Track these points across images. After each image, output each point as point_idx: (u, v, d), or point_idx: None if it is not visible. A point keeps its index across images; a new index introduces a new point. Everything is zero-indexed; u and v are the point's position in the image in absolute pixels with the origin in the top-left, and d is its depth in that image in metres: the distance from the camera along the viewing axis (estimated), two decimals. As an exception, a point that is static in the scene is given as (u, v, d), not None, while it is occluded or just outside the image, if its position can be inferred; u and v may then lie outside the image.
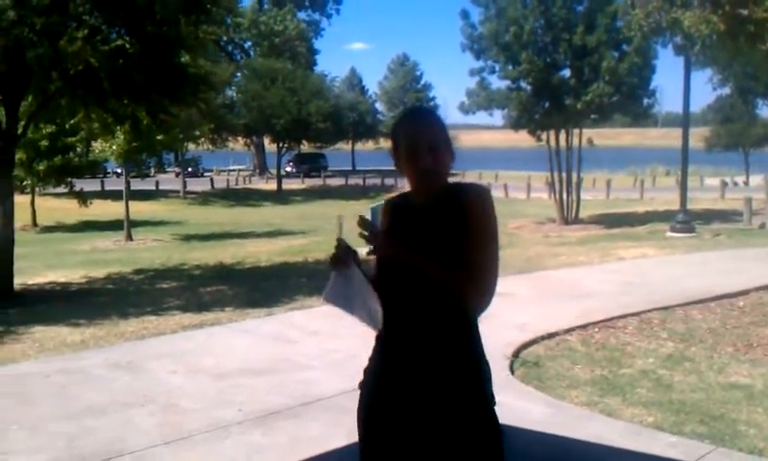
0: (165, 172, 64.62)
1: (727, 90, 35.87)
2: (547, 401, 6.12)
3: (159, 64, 12.29)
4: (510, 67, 23.47)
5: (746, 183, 45.55)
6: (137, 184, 45.29)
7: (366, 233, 2.44)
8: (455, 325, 2.48)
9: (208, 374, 6.96)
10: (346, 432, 5.33)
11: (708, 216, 24.92)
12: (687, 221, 19.49)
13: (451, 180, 2.61)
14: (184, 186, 50.91)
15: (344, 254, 2.50)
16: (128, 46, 12.22)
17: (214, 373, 6.98)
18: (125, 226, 24.52)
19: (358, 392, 6.04)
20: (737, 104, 39.83)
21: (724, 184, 37.79)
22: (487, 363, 2.56)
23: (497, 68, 24.17)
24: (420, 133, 2.52)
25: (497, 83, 25.14)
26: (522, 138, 27.02)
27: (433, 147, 2.50)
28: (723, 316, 9.21)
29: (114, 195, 39.43)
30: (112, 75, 11.35)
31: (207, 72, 15.37)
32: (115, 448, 5.10)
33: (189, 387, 6.56)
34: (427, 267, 2.43)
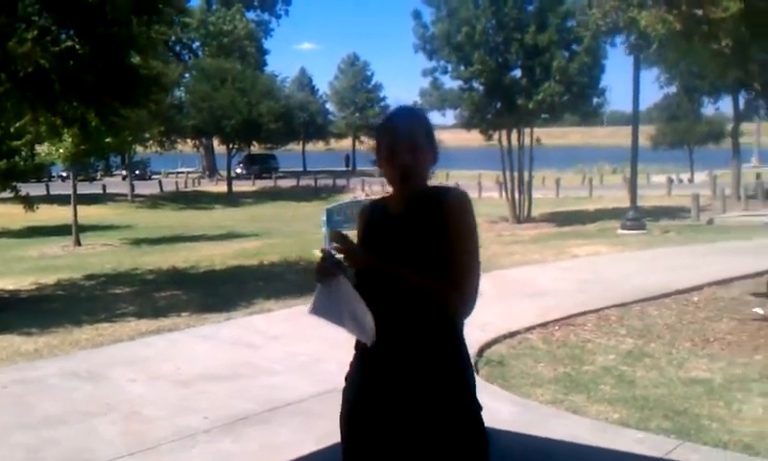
0: (112, 175, 63.57)
1: (673, 89, 36.59)
2: (513, 400, 6.15)
3: (111, 65, 12.03)
4: (462, 67, 23.63)
5: (690, 180, 46.56)
6: (84, 188, 44.28)
7: (341, 247, 2.42)
8: (438, 331, 2.46)
9: (170, 381, 6.84)
10: (316, 437, 5.28)
11: (657, 213, 25.39)
12: (637, 218, 19.83)
13: (430, 183, 2.59)
14: (132, 190, 50.09)
15: (330, 265, 2.45)
16: (78, 47, 11.95)
17: (176, 380, 6.86)
18: (73, 230, 24.00)
19: (325, 396, 6.01)
20: (684, 102, 40.66)
21: (670, 182, 38.54)
22: (472, 368, 2.55)
23: (450, 68, 24.34)
24: (400, 133, 2.49)
25: (450, 83, 25.32)
26: (472, 138, 27.19)
27: (413, 147, 2.47)
28: (679, 312, 9.36)
29: (60, 199, 38.63)
30: (63, 76, 11.07)
31: (159, 73, 15.12)
32: (80, 459, 4.97)
33: (151, 395, 6.43)
34: (406, 275, 2.40)
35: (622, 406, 5.97)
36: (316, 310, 2.51)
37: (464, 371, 2.50)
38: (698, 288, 10.58)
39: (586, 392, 6.38)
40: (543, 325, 8.68)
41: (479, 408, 2.50)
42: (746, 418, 5.67)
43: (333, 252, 2.46)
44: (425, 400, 2.42)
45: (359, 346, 2.56)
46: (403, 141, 2.47)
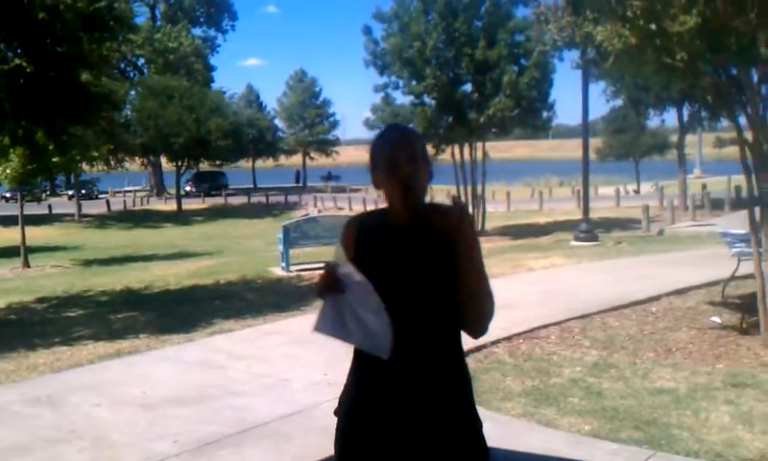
0: (58, 195, 62.41)
1: (619, 102, 37.32)
2: (484, 415, 6.08)
3: (61, 84, 11.84)
4: (414, 83, 23.74)
5: (637, 192, 47.44)
6: (30, 209, 43.42)
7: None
8: (451, 345, 2.46)
9: (135, 404, 6.68)
10: (289, 459, 5.23)
11: (608, 224, 25.78)
12: (590, 230, 20.07)
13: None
14: (79, 209, 49.22)
15: (333, 279, 2.39)
16: (24, 65, 11.71)
17: (141, 403, 6.71)
18: (21, 252, 23.45)
19: (294, 417, 5.91)
20: (630, 115, 41.49)
21: (618, 193, 39.23)
22: (471, 383, 2.55)
23: (401, 84, 24.43)
24: (400, 146, 2.47)
25: (402, 98, 25.44)
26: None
27: (413, 157, 2.45)
28: (639, 322, 9.48)
29: (5, 221, 37.79)
30: (12, 95, 10.85)
31: (110, 91, 14.89)
32: (48, 490, 4.83)
33: (117, 420, 6.28)
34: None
35: (592, 418, 6.01)
36: (321, 328, 2.42)
37: (466, 388, 2.51)
38: (656, 298, 10.73)
39: (555, 404, 6.41)
40: (508, 338, 8.70)
41: (481, 425, 2.50)
42: (714, 426, 5.76)
43: (339, 265, 2.40)
44: (436, 415, 2.41)
45: (362, 361, 2.50)
46: (403, 152, 2.45)
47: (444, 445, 2.40)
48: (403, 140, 2.50)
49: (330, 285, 2.39)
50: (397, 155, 2.44)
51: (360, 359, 2.50)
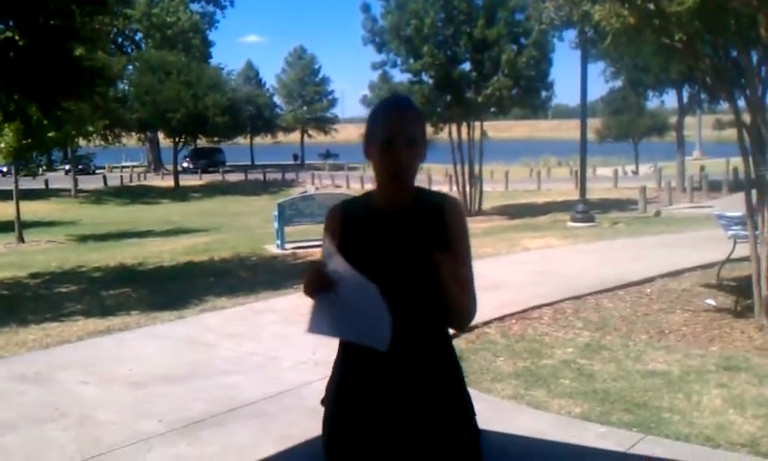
0: (54, 170, 62.16)
1: (619, 83, 37.16)
2: (474, 396, 6.03)
3: (53, 57, 11.70)
4: (411, 60, 23.59)
5: (635, 173, 47.33)
6: (26, 183, 43.23)
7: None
8: (438, 332, 2.41)
9: (123, 383, 6.63)
10: (275, 439, 5.18)
11: (605, 205, 25.72)
12: (587, 210, 20.00)
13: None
14: (76, 185, 49.10)
15: (322, 277, 2.28)
16: (18, 38, 11.58)
17: (129, 381, 6.65)
18: (16, 227, 23.39)
19: (282, 396, 5.85)
20: (630, 96, 41.32)
21: (616, 174, 39.12)
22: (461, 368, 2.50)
23: (399, 61, 24.29)
24: (401, 125, 2.34)
25: (400, 76, 25.30)
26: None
27: (412, 141, 2.34)
28: (633, 304, 9.43)
29: (1, 195, 37.65)
30: (3, 69, 10.72)
31: (104, 65, 14.75)
32: (30, 468, 4.78)
33: (104, 398, 6.23)
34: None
35: (583, 400, 5.96)
36: (315, 328, 2.31)
37: (457, 372, 2.44)
38: (650, 280, 10.67)
39: (546, 386, 6.36)
40: (500, 318, 8.64)
41: (472, 406, 2.46)
42: (705, 409, 5.70)
43: (326, 262, 2.29)
44: (427, 401, 2.35)
45: (349, 352, 2.41)
46: (403, 133, 2.33)
47: (435, 427, 2.34)
48: (405, 120, 2.36)
49: (320, 284, 2.29)
50: (397, 135, 2.32)
51: (347, 350, 2.43)
